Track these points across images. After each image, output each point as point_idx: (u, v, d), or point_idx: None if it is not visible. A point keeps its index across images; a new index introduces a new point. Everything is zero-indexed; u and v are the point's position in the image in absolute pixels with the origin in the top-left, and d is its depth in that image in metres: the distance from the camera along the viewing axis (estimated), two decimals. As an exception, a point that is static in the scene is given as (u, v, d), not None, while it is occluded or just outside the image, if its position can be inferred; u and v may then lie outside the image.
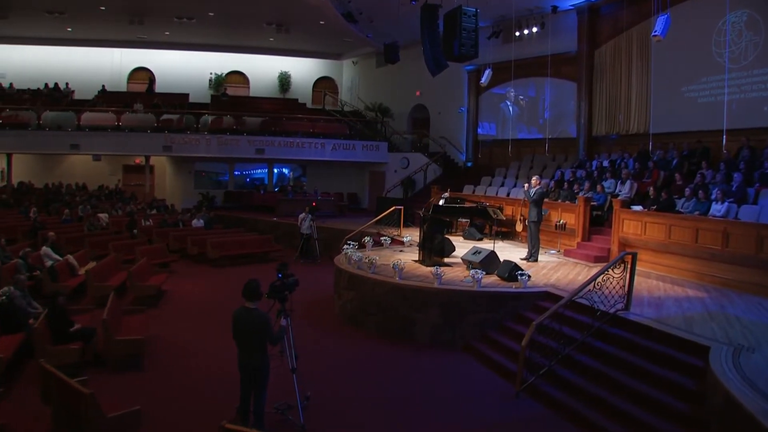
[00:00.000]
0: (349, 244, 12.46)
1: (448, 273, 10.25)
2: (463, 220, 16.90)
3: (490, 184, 19.09)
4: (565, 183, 15.14)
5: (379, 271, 10.23)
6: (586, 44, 18.28)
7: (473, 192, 18.88)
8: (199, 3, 21.31)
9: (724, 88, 13.89)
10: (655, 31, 10.32)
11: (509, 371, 7.68)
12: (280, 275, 6.63)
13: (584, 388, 6.75)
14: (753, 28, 13.40)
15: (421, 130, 26.09)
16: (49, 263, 12.56)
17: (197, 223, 19.48)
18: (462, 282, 9.49)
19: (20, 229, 16.82)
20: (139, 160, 25.10)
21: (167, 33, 25.58)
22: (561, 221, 13.41)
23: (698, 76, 14.70)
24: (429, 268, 10.55)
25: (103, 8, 21.29)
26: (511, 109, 21.51)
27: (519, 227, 14.99)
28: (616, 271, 7.56)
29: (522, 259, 12.15)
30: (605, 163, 15.81)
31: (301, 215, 17.32)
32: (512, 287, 9.31)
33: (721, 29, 14.07)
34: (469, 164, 23.47)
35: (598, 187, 13.81)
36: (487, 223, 16.09)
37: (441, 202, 17.14)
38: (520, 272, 9.34)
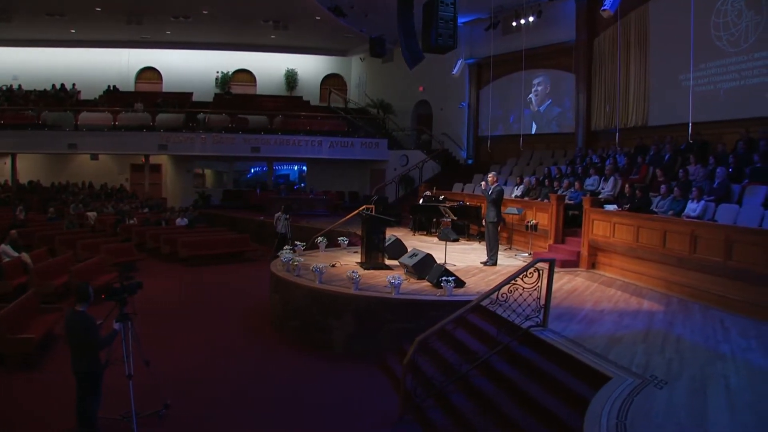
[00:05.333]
0: (296, 245, 11.66)
1: (378, 277, 9.28)
2: (446, 219, 15.85)
3: (482, 182, 17.92)
4: (546, 180, 13.90)
5: (304, 274, 9.35)
6: (585, 33, 16.97)
7: (462, 190, 17.78)
8: (192, 1, 20.93)
9: (723, 75, 12.45)
10: (605, 6, 9.06)
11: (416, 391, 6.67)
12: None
13: (471, 419, 5.68)
14: (754, 7, 11.88)
15: (422, 127, 25.07)
16: (6, 260, 12.31)
17: (181, 221, 19.04)
18: (384, 288, 8.50)
19: (1, 227, 16.70)
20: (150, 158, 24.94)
21: (168, 32, 25.36)
22: (532, 222, 12.22)
23: (696, 62, 13.19)
24: (364, 272, 9.69)
25: (98, 9, 21.15)
26: (511, 103, 20.26)
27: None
28: (527, 280, 6.43)
29: (481, 263, 11.09)
30: (594, 159, 14.47)
31: (277, 214, 16.64)
32: (437, 294, 8.27)
33: (720, 10, 12.59)
34: (470, 161, 22.32)
35: (576, 185, 12.53)
36: (469, 223, 15.07)
37: (421, 201, 16.34)
38: (445, 278, 8.28)
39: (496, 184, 10.80)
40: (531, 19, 17.87)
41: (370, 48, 18.55)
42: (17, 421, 6.15)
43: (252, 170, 29.17)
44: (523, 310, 6.46)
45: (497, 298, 6.44)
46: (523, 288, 6.39)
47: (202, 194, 24.70)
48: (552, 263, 6.55)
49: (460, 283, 8.61)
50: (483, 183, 11.13)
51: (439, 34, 11.44)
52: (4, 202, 20.94)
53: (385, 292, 8.32)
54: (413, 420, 6.14)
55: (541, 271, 6.49)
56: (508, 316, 6.63)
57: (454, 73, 17.27)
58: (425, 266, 9.18)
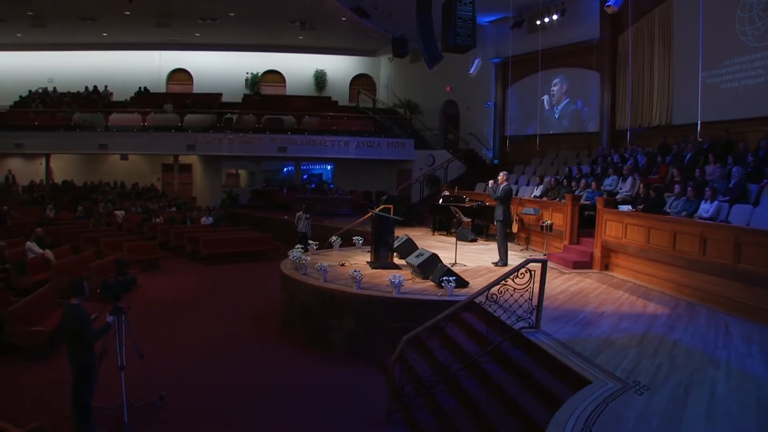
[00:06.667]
0: (309, 244, 11.76)
1: (383, 276, 9.24)
2: (466, 219, 15.75)
3: (490, 181, 17.76)
4: (564, 180, 13.68)
5: (310, 273, 9.44)
6: (609, 31, 16.61)
7: (484, 190, 17.60)
8: (219, 4, 21.32)
9: (748, 71, 12.03)
10: (609, 2, 8.84)
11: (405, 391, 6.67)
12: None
13: (456, 423, 5.64)
14: (781, 0, 11.47)
15: (449, 127, 25.00)
16: (31, 257, 12.80)
17: (206, 220, 19.39)
18: (386, 287, 8.50)
19: (32, 225, 17.32)
20: (179, 158, 25.48)
21: (198, 34, 25.86)
22: (547, 222, 12.06)
23: (721, 58, 12.80)
24: (370, 271, 9.75)
25: (127, 13, 21.68)
26: (536, 102, 19.99)
27: (515, 228, 13.78)
28: (518, 281, 6.35)
29: (493, 263, 11.01)
30: (615, 158, 14.17)
31: (298, 214, 16.81)
32: (438, 294, 8.24)
33: (746, 3, 12.17)
34: (496, 161, 22.12)
35: (593, 185, 12.30)
36: (488, 223, 14.96)
37: (440, 201, 16.28)
38: (446, 278, 8.24)
39: (505, 184, 10.72)
40: (555, 17, 17.62)
41: (393, 48, 18.54)
42: (22, 409, 6.40)
43: (285, 170, 29.64)
44: (515, 311, 6.38)
45: (486, 298, 6.37)
46: (515, 289, 6.30)
47: (230, 193, 25.14)
48: (544, 264, 6.44)
49: (462, 283, 8.56)
50: (491, 182, 11.05)
51: (458, 33, 11.28)
52: (36, 201, 21.69)
53: (386, 291, 8.33)
54: (401, 419, 6.15)
55: (533, 272, 6.40)
56: (500, 315, 6.57)
57: (471, 72, 17.17)
58: (430, 266, 9.15)
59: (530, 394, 5.47)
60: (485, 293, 6.38)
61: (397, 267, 10.22)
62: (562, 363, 5.47)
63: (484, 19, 21.31)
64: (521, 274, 6.34)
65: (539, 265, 6.51)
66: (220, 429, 6.13)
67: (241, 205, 24.95)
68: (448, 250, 11.63)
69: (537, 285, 6.40)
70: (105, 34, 25.22)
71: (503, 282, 6.34)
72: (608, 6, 8.94)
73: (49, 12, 21.58)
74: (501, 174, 10.96)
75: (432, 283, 8.90)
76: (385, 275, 9.36)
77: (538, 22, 18.25)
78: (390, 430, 6.04)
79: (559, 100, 19.17)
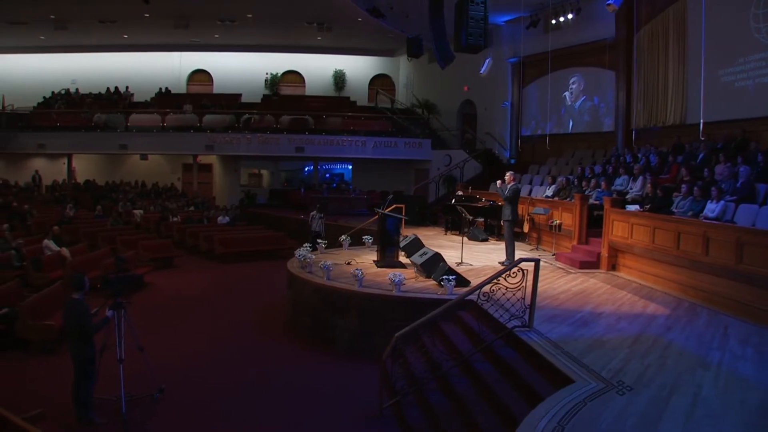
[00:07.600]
0: (317, 243, 11.90)
1: (386, 275, 9.32)
2: (480, 219, 15.74)
3: (498, 181, 17.72)
4: (575, 180, 13.60)
5: (315, 271, 9.56)
6: (624, 29, 16.43)
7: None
8: (236, 5, 21.61)
9: (762, 69, 11.82)
10: (609, 0, 8.78)
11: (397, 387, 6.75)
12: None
13: (444, 421, 5.68)
14: (797, -4, 11.26)
15: (466, 127, 24.97)
16: (48, 254, 13.18)
17: (222, 220, 19.69)
18: (387, 286, 8.58)
19: (52, 223, 17.77)
20: (199, 158, 25.88)
21: (216, 36, 26.21)
22: (556, 222, 12.01)
23: (735, 56, 12.60)
24: (375, 270, 9.84)
25: (146, 15, 22.07)
26: (552, 101, 19.87)
27: (526, 228, 13.75)
28: (510, 280, 6.37)
29: (499, 263, 11.01)
30: (628, 158, 14.04)
31: (312, 213, 16.97)
32: (438, 293, 8.30)
33: (760, 1, 11.96)
34: (513, 161, 22.03)
35: (602, 185, 12.21)
36: (500, 222, 14.93)
37: (453, 201, 16.28)
38: (446, 277, 8.28)
39: (512, 183, 10.73)
40: (570, 16, 17.52)
41: (408, 48, 18.60)
42: (25, 399, 6.55)
43: (306, 169, 29.96)
44: (508, 309, 6.41)
45: (479, 297, 6.41)
46: (506, 288, 6.33)
47: (248, 193, 25.45)
48: (537, 263, 6.45)
49: (463, 282, 8.58)
50: (499, 182, 11.06)
51: (470, 33, 11.28)
52: (58, 200, 22.24)
53: (386, 289, 8.41)
54: (392, 415, 6.22)
55: (525, 271, 6.41)
56: (494, 313, 6.59)
57: (481, 72, 17.14)
58: (432, 265, 9.20)
59: (517, 393, 5.48)
60: (476, 292, 6.41)
61: (402, 266, 10.30)
62: (548, 362, 5.48)
63: (499, 19, 21.27)
64: (513, 273, 6.36)
65: (528, 264, 6.53)
66: (218, 422, 6.27)
67: (259, 205, 25.27)
68: (457, 249, 11.65)
69: (531, 284, 6.42)
70: (125, 36, 25.71)
71: (495, 281, 6.37)
72: (609, 5, 8.88)
73: (71, 15, 22.10)
74: (508, 174, 10.97)
75: (434, 282, 8.95)
76: (389, 274, 9.47)
77: (553, 22, 18.18)
78: (381, 426, 6.11)
79: (577, 98, 19.04)
